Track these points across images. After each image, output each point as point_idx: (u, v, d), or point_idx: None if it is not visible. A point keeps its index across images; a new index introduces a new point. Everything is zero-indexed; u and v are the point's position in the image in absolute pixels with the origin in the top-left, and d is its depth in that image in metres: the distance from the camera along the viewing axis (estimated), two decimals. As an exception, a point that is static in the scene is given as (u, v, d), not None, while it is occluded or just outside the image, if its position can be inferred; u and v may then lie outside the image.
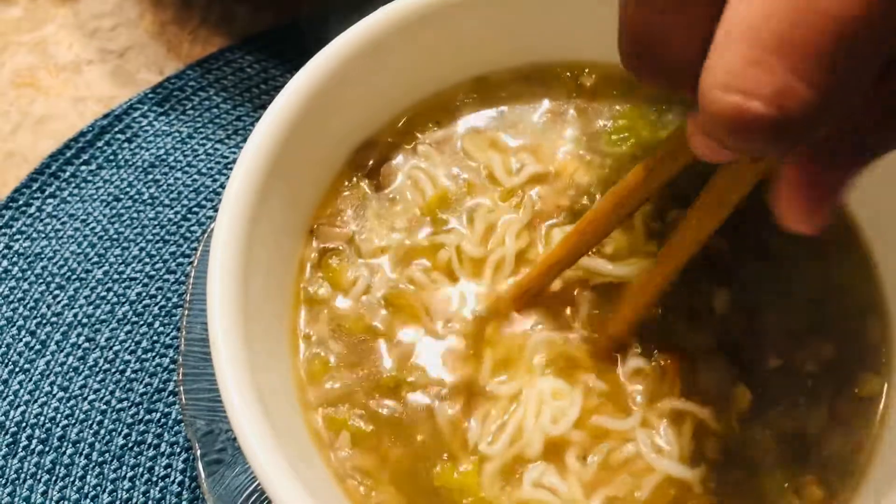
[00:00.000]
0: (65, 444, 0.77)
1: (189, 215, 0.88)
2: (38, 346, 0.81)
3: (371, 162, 0.72)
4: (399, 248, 0.68)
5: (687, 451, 0.60)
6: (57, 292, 0.84)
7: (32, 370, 0.80)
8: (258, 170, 0.62)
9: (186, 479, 0.76)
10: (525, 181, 0.70)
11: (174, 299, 0.84)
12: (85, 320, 0.83)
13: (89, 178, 0.91)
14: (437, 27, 0.69)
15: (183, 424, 0.77)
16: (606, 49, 0.62)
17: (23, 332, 0.82)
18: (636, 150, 0.71)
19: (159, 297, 0.84)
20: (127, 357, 0.81)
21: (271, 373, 0.61)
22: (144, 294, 0.85)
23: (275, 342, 0.64)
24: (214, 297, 0.58)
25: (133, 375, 0.80)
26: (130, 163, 0.92)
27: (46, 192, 0.89)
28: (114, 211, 0.89)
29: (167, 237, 0.87)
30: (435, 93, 0.74)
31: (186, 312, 0.76)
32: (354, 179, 0.71)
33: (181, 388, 0.74)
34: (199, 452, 0.72)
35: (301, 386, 0.64)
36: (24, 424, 0.78)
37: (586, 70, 0.75)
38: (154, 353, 0.82)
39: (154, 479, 0.76)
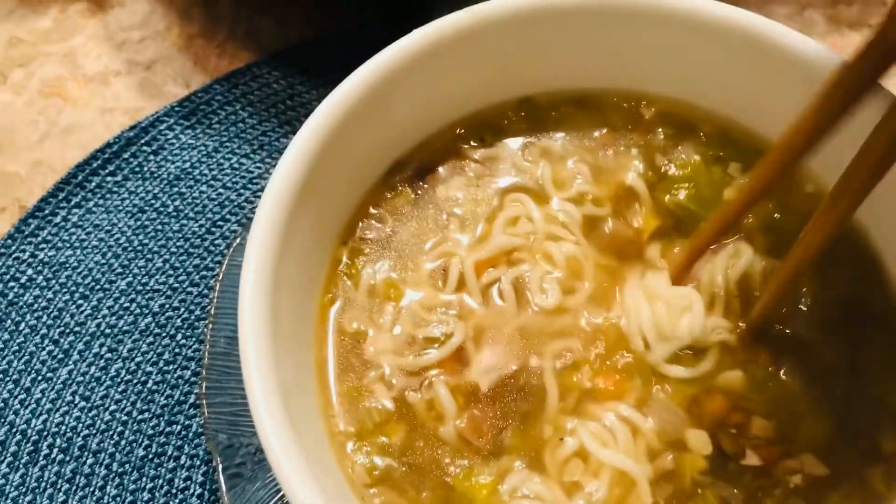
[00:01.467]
0: (85, 453, 0.77)
1: (213, 228, 0.89)
2: (60, 356, 0.82)
3: (410, 176, 0.73)
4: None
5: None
6: (81, 302, 0.85)
7: (55, 379, 0.80)
8: (291, 187, 0.62)
9: (206, 492, 0.77)
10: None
11: (197, 312, 0.85)
12: (108, 331, 0.83)
13: (115, 189, 0.91)
14: (478, 47, 0.70)
15: (203, 437, 0.77)
16: (665, 81, 0.63)
17: (46, 342, 0.82)
18: (692, 204, 0.71)
19: (182, 309, 0.85)
20: (149, 368, 0.82)
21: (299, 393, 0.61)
22: (167, 306, 0.85)
23: (303, 366, 0.64)
24: (245, 315, 0.58)
25: (154, 387, 0.81)
26: (156, 175, 0.92)
27: (72, 202, 0.90)
28: (138, 222, 0.89)
29: (191, 250, 0.88)
30: (477, 111, 0.74)
31: (210, 326, 0.76)
32: (390, 195, 0.72)
33: (203, 402, 0.74)
34: (220, 466, 0.72)
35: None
36: (45, 433, 0.78)
37: (644, 102, 0.75)
38: (176, 366, 0.82)
39: (174, 490, 0.76)
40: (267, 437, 0.55)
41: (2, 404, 0.79)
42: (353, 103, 0.65)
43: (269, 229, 0.61)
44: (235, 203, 0.90)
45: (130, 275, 0.86)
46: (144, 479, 0.76)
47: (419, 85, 0.69)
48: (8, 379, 0.80)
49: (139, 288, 0.86)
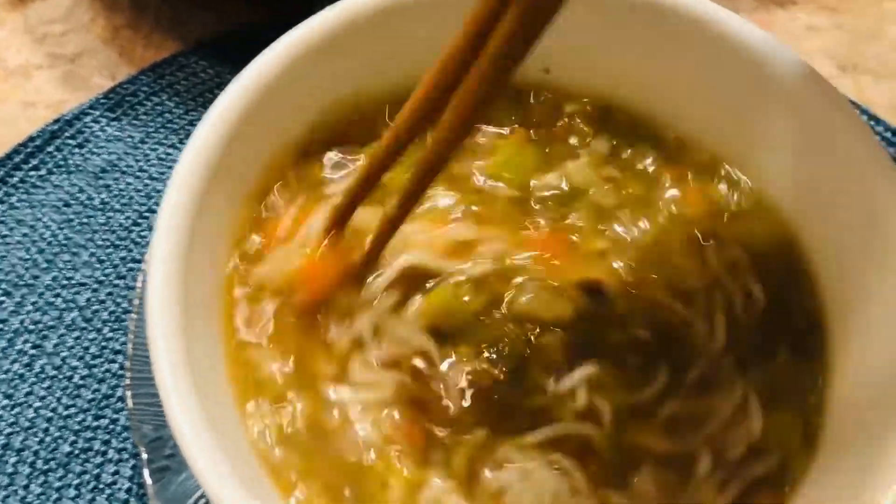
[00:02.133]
0: (8, 452, 0.75)
1: (140, 220, 0.87)
2: (-18, 354, 0.79)
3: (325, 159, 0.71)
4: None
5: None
6: (3, 299, 0.82)
7: (-24, 378, 0.78)
8: (200, 169, 0.61)
9: (134, 486, 0.75)
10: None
11: (124, 304, 0.83)
12: (32, 327, 0.81)
13: (39, 183, 0.89)
14: (389, 27, 0.68)
15: (131, 430, 0.75)
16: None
17: (-33, 340, 0.80)
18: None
19: (109, 302, 0.83)
20: (75, 363, 0.80)
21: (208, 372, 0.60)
22: (94, 299, 0.83)
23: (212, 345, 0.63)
24: (154, 298, 0.56)
25: (81, 382, 0.79)
26: (81, 168, 0.90)
27: (-6, 198, 0.87)
28: (64, 216, 0.87)
29: (118, 242, 0.86)
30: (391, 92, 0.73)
31: (135, 317, 0.75)
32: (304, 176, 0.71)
33: (128, 393, 0.73)
34: (145, 457, 0.70)
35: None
36: (-34, 433, 0.76)
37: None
38: (103, 359, 0.80)
39: (101, 486, 0.74)
40: (177, 421, 0.53)
41: (-79, 404, 0.76)
42: (261, 86, 0.64)
43: (180, 209, 0.59)
44: (162, 193, 0.88)
45: (56, 269, 0.84)
46: (70, 475, 0.75)
47: (338, 58, 0.67)
48: (-73, 378, 0.77)
49: (64, 282, 0.84)
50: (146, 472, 0.70)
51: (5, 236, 0.86)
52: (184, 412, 0.54)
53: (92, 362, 0.80)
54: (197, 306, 0.59)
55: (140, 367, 0.73)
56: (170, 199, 0.60)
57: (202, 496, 0.68)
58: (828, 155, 0.63)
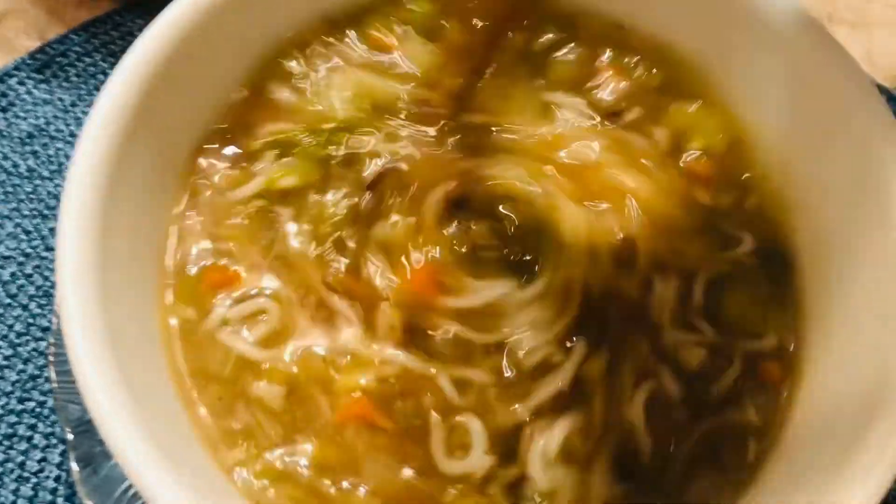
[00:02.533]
0: (-77, 439, 0.69)
1: (70, 187, 0.80)
2: None
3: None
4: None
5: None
6: (-82, 274, 0.76)
7: None
8: (118, 120, 0.55)
9: (63, 474, 0.69)
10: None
11: (52, 278, 0.76)
12: (-49, 304, 0.75)
13: (-41, 150, 0.82)
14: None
15: (56, 411, 0.69)
16: None
17: None
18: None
19: (36, 276, 0.77)
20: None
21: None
22: (19, 273, 0.77)
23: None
24: (66, 266, 0.50)
25: (5, 362, 0.72)
26: (6, 133, 0.84)
27: None
28: (-15, 185, 0.81)
29: (46, 212, 0.80)
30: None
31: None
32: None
33: (53, 371, 0.67)
34: (70, 438, 0.64)
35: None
36: None
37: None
38: (29, 337, 0.74)
39: (25, 474, 0.68)
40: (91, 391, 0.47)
41: None
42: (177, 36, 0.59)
43: (95, 166, 0.53)
44: (94, 159, 0.81)
45: (-23, 242, 0.78)
46: None
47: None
48: None
49: (-14, 256, 0.77)
50: (72, 457, 0.64)
51: (-79, 206, 0.79)
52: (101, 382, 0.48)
53: (17, 341, 0.74)
54: (117, 270, 0.53)
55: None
56: (82, 153, 0.54)
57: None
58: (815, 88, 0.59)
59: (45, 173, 0.82)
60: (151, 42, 0.58)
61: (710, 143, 0.65)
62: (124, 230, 0.55)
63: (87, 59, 0.88)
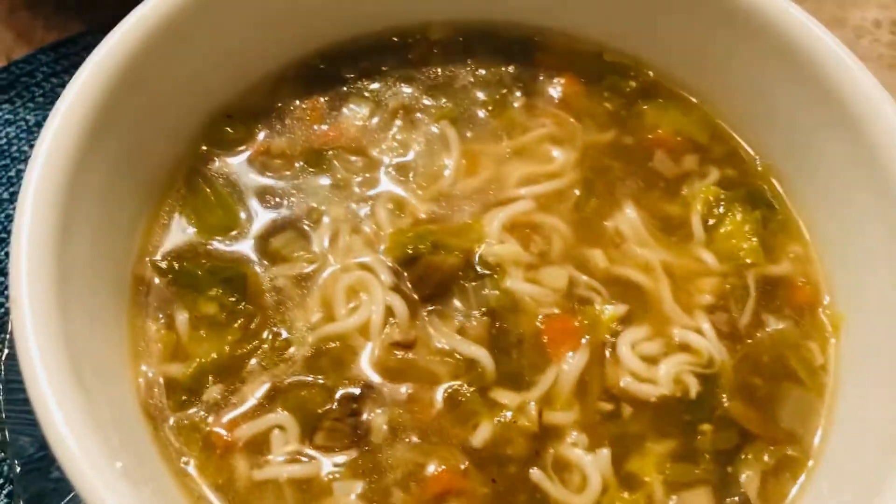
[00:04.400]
0: None
1: (31, 210, 0.77)
2: None
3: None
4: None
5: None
6: None
7: None
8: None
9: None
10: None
11: (7, 304, 0.72)
12: None
13: (-83, 170, 0.79)
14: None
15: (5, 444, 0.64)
16: None
17: None
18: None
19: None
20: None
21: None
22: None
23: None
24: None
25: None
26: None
27: None
28: (-58, 207, 0.77)
29: (3, 235, 0.76)
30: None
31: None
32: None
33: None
34: (18, 471, 0.59)
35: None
36: None
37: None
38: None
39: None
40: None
41: None
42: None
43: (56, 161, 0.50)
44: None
45: (-69, 266, 0.73)
46: None
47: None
48: None
49: (-60, 279, 0.73)
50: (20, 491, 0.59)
51: None
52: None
53: None
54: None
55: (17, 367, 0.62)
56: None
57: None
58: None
59: (5, 195, 0.78)
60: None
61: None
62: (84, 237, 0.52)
63: (55, 80, 0.85)
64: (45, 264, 0.48)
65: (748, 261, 0.61)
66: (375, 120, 0.66)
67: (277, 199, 0.62)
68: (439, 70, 0.68)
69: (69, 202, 0.50)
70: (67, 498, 0.60)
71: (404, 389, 0.55)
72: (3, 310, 0.73)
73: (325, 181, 0.62)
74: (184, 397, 0.54)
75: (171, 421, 0.54)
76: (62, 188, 0.50)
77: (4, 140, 0.81)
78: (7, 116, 0.83)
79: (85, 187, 0.52)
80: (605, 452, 0.54)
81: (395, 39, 0.69)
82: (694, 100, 0.68)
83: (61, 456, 0.43)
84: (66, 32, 0.89)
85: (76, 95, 0.53)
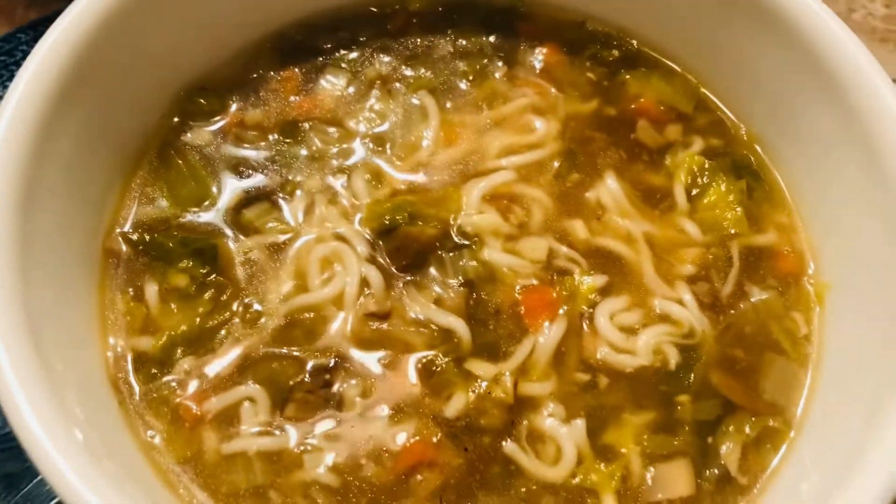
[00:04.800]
0: None
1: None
2: None
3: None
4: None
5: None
6: None
7: None
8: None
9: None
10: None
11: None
12: None
13: None
14: None
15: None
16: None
17: None
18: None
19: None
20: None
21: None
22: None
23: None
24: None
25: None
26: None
27: None
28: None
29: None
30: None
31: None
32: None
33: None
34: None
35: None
36: None
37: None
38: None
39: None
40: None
41: None
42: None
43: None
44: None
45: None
46: None
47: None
48: None
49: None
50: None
51: None
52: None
53: None
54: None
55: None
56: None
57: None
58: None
59: None
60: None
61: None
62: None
63: (38, 59, 0.84)
64: (4, 233, 0.47)
65: (732, 231, 0.60)
66: (352, 90, 0.64)
67: (251, 171, 0.60)
68: (419, 40, 0.66)
69: (32, 173, 0.49)
70: (38, 478, 0.59)
71: (378, 360, 0.54)
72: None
73: (300, 152, 0.61)
74: (153, 370, 0.54)
75: (139, 394, 0.53)
76: (24, 158, 0.49)
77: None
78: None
79: (49, 158, 0.51)
80: (581, 423, 0.54)
81: (374, 10, 0.67)
82: (678, 68, 0.66)
83: (15, 424, 0.42)
84: (45, 10, 0.88)
85: (39, 64, 0.52)
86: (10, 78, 0.81)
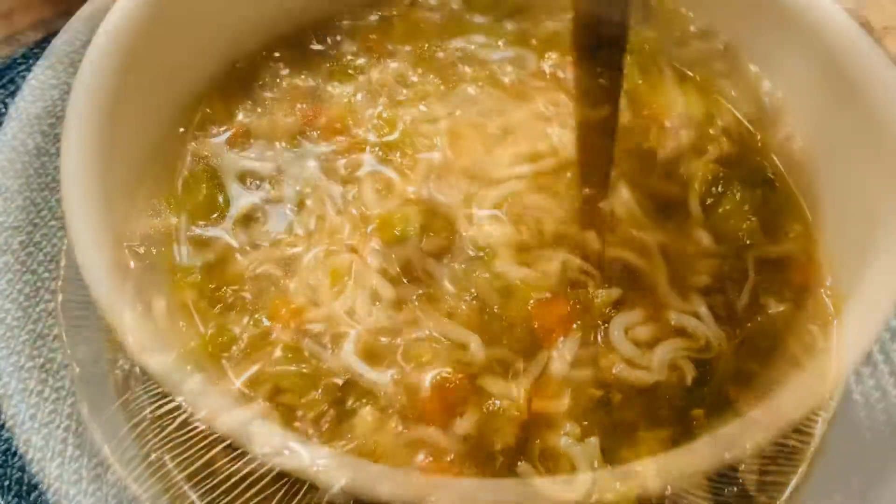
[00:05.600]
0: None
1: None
2: None
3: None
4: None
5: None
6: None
7: None
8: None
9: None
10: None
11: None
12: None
13: (-33, 133, 0.83)
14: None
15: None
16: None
17: None
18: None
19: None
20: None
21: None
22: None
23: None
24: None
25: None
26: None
27: (-80, 152, 0.82)
28: (-8, 164, 0.82)
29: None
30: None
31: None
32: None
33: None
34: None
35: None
36: None
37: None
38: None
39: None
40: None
41: None
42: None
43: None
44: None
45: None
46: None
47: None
48: None
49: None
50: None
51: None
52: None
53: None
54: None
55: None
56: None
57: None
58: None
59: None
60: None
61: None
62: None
63: (92, 47, 0.89)
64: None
65: (747, 241, 0.58)
66: (360, 97, 0.64)
67: (258, 182, 0.61)
68: (427, 45, 0.66)
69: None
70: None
71: (390, 376, 0.54)
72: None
73: (308, 162, 0.61)
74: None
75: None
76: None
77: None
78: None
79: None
80: (595, 441, 0.53)
81: (381, 14, 0.67)
82: (691, 74, 0.64)
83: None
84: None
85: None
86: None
